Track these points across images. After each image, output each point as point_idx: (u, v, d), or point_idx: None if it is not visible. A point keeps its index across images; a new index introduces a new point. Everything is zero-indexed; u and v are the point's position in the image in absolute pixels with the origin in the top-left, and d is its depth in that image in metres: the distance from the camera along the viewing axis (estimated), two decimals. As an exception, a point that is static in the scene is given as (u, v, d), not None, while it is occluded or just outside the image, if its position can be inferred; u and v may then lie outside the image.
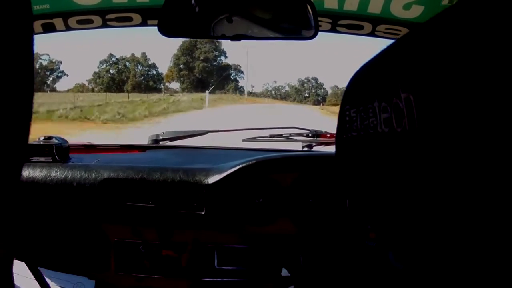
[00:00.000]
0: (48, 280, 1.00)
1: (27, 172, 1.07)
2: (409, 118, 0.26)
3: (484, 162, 0.22)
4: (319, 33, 1.05)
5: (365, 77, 0.35)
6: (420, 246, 0.28)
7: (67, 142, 1.16)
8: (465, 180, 0.23)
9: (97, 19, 1.22)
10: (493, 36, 0.22)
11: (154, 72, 53.50)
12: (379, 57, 0.33)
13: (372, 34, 1.25)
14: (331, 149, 1.38)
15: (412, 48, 0.29)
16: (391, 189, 0.30)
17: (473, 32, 0.23)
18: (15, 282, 0.74)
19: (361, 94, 0.34)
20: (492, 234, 0.23)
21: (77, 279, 0.85)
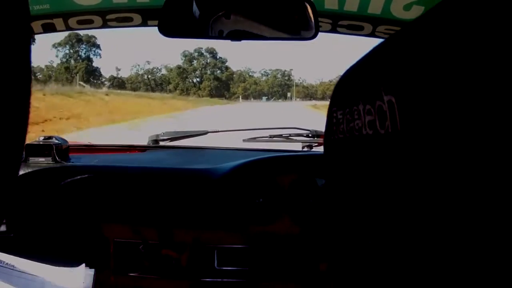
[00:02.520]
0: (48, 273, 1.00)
1: (27, 173, 1.07)
2: (392, 120, 0.26)
3: (465, 165, 0.22)
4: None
5: (351, 78, 0.35)
6: (404, 245, 0.28)
7: (67, 142, 1.17)
8: (446, 182, 0.23)
9: (98, 20, 1.22)
10: (474, 38, 0.22)
11: None
12: (365, 59, 0.33)
13: (372, 34, 1.25)
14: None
15: (395, 50, 0.29)
16: (375, 192, 0.30)
17: (455, 34, 0.23)
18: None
19: (347, 96, 0.34)
20: (477, 234, 0.23)
21: (75, 269, 0.86)
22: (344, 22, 1.25)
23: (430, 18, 0.26)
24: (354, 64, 0.34)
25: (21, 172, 1.07)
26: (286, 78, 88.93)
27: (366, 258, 0.35)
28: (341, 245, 0.40)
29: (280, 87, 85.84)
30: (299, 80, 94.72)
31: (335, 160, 0.36)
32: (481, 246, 0.23)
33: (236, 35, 1.10)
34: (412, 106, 0.25)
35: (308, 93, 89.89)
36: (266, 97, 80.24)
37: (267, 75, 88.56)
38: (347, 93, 0.35)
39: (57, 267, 0.81)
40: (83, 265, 0.81)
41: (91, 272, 0.81)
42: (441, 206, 0.24)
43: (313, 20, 1.05)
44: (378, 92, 0.28)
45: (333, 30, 1.26)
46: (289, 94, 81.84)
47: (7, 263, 0.79)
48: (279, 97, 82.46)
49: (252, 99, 76.68)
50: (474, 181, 0.22)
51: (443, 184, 0.23)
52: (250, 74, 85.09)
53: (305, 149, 1.43)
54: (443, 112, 0.23)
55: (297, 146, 1.45)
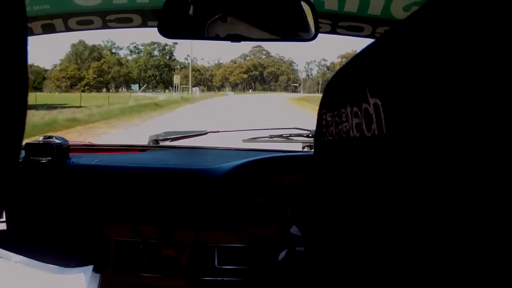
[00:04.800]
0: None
1: (27, 172, 1.08)
2: (378, 123, 0.26)
3: (451, 168, 0.22)
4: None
5: (339, 80, 0.35)
6: (391, 246, 0.28)
7: (67, 141, 1.17)
8: (431, 185, 0.23)
9: (97, 20, 1.23)
10: (461, 39, 0.22)
11: None
12: (353, 60, 0.32)
13: (372, 35, 1.25)
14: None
15: (381, 52, 0.29)
16: (362, 195, 0.30)
17: (441, 35, 0.23)
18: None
19: (336, 98, 0.34)
20: (463, 236, 0.23)
21: (79, 270, 0.86)
22: (344, 23, 1.24)
23: (415, 20, 0.26)
24: (343, 66, 0.34)
25: (21, 172, 1.08)
26: (167, 56, 60.75)
27: (355, 258, 0.35)
28: (334, 246, 0.40)
29: (158, 70, 58.30)
30: (186, 59, 63.84)
31: (325, 162, 0.36)
32: (464, 248, 0.23)
33: (236, 37, 1.10)
34: (397, 109, 0.25)
35: (202, 79, 66.41)
36: (138, 85, 53.99)
37: (138, 52, 59.19)
38: (335, 95, 0.35)
39: (63, 268, 0.81)
40: (91, 267, 0.81)
41: (97, 276, 0.81)
42: (427, 208, 0.24)
43: (312, 21, 1.05)
44: (364, 95, 0.28)
45: (333, 31, 1.26)
46: (176, 80, 45.63)
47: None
48: (155, 85, 57.18)
49: (113, 89, 50.25)
50: (460, 183, 0.22)
51: (429, 187, 0.23)
52: (114, 51, 57.79)
53: (306, 149, 1.43)
54: (429, 115, 0.23)
55: (297, 147, 1.44)
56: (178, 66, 62.53)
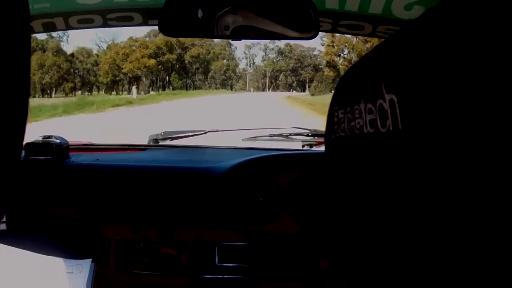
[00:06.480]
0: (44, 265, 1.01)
1: (27, 171, 1.08)
2: (393, 119, 0.26)
3: (467, 164, 0.22)
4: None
5: (352, 77, 0.35)
6: (405, 244, 0.28)
7: (67, 141, 1.17)
8: (446, 181, 0.23)
9: (98, 19, 1.22)
10: (476, 36, 0.22)
11: None
12: (366, 58, 0.33)
13: (373, 34, 1.25)
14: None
15: (396, 48, 0.29)
16: (375, 191, 0.30)
17: (457, 32, 0.23)
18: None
19: (348, 95, 0.34)
20: (479, 233, 0.23)
21: (76, 262, 0.86)
22: (344, 22, 1.24)
23: (432, 17, 0.26)
24: (355, 63, 0.34)
25: (21, 172, 1.07)
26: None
27: (366, 256, 0.35)
28: (342, 244, 0.40)
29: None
30: (49, 35, 37.36)
31: (336, 158, 0.36)
32: (483, 246, 0.23)
33: (237, 35, 1.10)
34: (413, 104, 0.25)
35: (75, 71, 38.89)
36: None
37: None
38: (348, 92, 0.35)
39: (60, 259, 0.82)
40: (90, 260, 0.82)
41: (92, 265, 0.82)
42: (442, 205, 0.24)
43: (313, 20, 1.05)
44: (379, 91, 0.28)
45: (334, 29, 1.26)
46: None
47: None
48: None
49: None
50: (475, 180, 0.22)
51: (444, 183, 0.23)
52: None
53: (305, 148, 1.43)
54: (445, 111, 0.23)
55: (297, 146, 1.45)
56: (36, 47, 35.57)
